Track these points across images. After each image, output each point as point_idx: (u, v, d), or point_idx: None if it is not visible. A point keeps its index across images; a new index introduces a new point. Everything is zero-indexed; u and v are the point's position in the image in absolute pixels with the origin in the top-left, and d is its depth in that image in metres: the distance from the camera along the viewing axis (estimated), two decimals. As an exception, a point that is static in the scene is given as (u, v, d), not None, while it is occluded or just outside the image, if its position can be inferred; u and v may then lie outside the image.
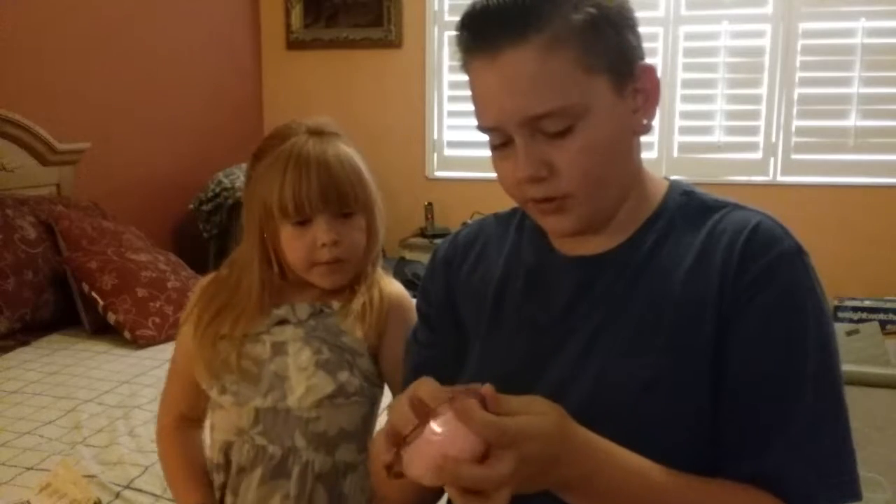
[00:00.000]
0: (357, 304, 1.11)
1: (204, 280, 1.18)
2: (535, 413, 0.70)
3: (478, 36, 0.82)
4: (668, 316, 0.83)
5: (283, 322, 1.11)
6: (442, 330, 1.00)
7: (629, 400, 0.82)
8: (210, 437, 1.16)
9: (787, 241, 0.83)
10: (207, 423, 1.19)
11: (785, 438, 0.79)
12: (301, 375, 1.07)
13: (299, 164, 1.06)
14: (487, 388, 0.69)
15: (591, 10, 0.80)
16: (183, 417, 1.19)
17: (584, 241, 0.90)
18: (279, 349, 1.09)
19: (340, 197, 1.07)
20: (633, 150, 0.88)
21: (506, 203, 0.99)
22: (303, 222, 1.08)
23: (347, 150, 1.11)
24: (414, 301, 1.12)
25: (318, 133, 1.11)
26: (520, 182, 0.84)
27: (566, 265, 0.91)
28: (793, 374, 0.80)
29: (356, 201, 1.09)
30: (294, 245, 1.09)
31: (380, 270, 1.18)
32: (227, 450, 1.10)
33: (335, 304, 1.12)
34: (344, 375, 1.08)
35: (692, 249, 0.85)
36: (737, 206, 0.88)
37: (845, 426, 0.82)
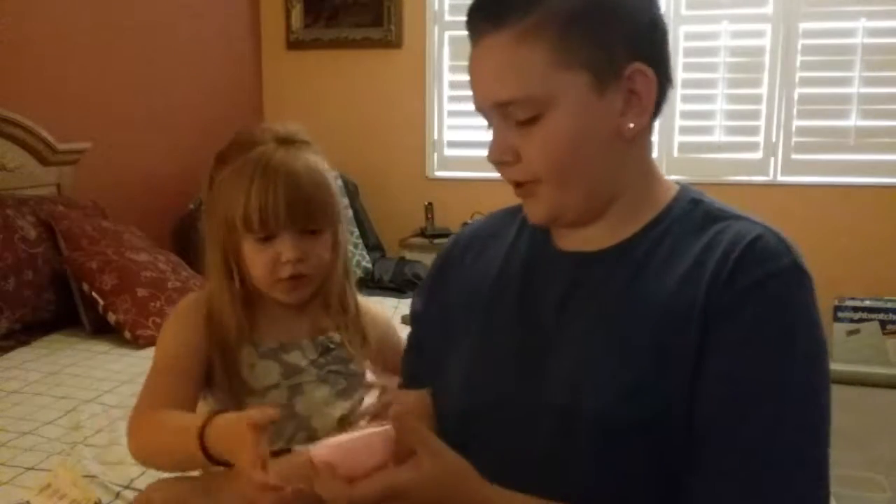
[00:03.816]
0: (356, 340, 1.12)
1: (189, 303, 1.11)
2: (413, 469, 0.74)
3: (469, 23, 0.86)
4: (654, 322, 0.81)
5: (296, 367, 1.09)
6: (429, 328, 1.03)
7: (610, 403, 0.81)
8: None
9: (784, 258, 0.80)
10: None
11: (738, 481, 0.76)
12: (324, 410, 1.08)
13: (266, 176, 1.00)
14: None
15: (580, 1, 0.81)
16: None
17: (582, 237, 0.89)
18: (296, 390, 1.08)
19: (308, 213, 1.03)
20: (613, 149, 0.85)
21: (505, 203, 0.99)
22: (267, 237, 1.03)
23: (317, 161, 1.06)
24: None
25: (286, 142, 1.05)
26: (493, 164, 0.87)
27: (560, 259, 0.91)
28: (765, 403, 0.76)
29: (324, 217, 1.05)
30: (256, 260, 1.04)
31: (359, 297, 1.16)
32: None
33: (336, 337, 1.12)
34: (359, 394, 1.12)
35: (688, 257, 0.83)
36: (742, 218, 0.86)
37: (815, 473, 0.77)
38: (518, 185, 0.87)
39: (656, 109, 0.86)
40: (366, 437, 0.76)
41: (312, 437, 1.06)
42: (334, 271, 1.10)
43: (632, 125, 0.84)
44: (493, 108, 0.84)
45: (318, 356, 1.10)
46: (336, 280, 1.10)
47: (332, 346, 1.11)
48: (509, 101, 0.82)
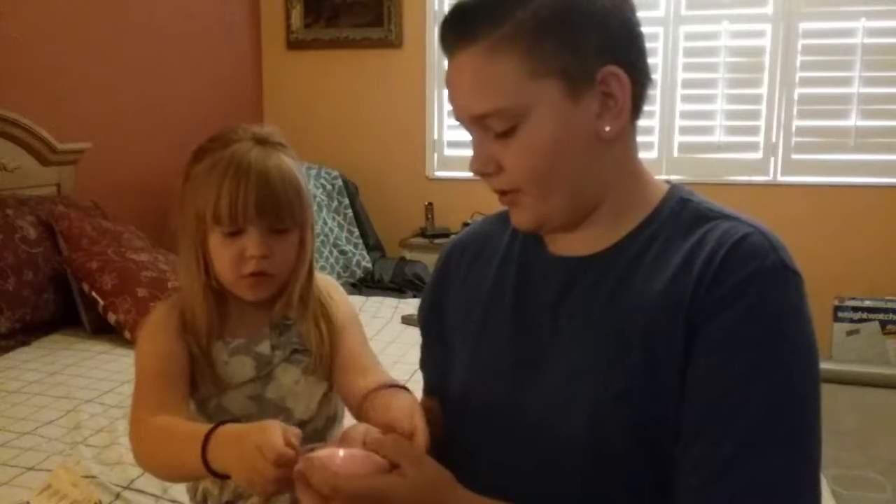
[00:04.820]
0: (310, 323, 1.11)
1: (160, 311, 1.11)
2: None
3: (441, 39, 0.87)
4: (642, 325, 0.81)
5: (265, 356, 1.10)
6: (429, 331, 1.05)
7: (600, 408, 0.81)
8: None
9: (770, 256, 0.79)
10: None
11: (728, 481, 0.75)
12: (295, 389, 1.09)
13: (239, 173, 1.03)
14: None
15: (549, 11, 0.81)
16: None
17: (573, 241, 0.90)
18: (267, 377, 1.09)
19: (277, 212, 1.05)
20: (593, 152, 0.85)
21: (505, 204, 0.99)
22: (235, 232, 1.04)
23: (290, 163, 1.08)
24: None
25: (262, 142, 1.07)
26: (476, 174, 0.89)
27: (553, 264, 0.91)
28: (752, 402, 0.76)
29: (291, 218, 1.07)
30: (222, 254, 1.06)
31: (321, 299, 1.15)
32: (221, 482, 1.08)
33: (291, 314, 1.12)
34: (323, 368, 1.12)
35: (676, 259, 0.83)
36: (731, 217, 0.85)
37: (807, 472, 0.76)
38: (502, 193, 0.88)
39: (636, 110, 0.86)
40: (351, 454, 0.79)
41: (290, 419, 1.07)
42: (299, 272, 1.11)
43: (608, 128, 0.84)
44: (469, 121, 0.85)
45: (279, 337, 1.11)
46: (299, 281, 1.12)
47: (287, 322, 1.12)
48: (485, 114, 0.83)
